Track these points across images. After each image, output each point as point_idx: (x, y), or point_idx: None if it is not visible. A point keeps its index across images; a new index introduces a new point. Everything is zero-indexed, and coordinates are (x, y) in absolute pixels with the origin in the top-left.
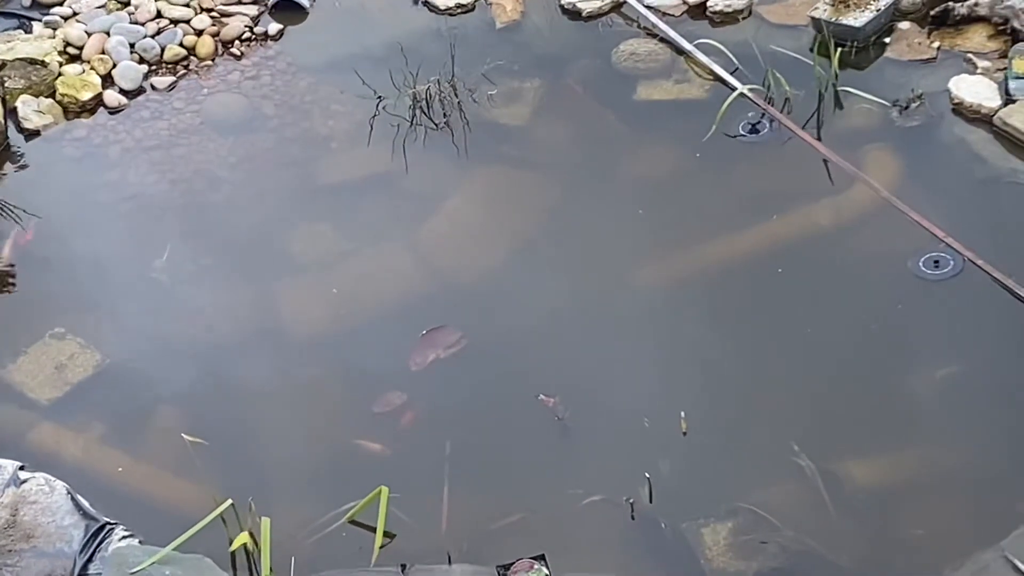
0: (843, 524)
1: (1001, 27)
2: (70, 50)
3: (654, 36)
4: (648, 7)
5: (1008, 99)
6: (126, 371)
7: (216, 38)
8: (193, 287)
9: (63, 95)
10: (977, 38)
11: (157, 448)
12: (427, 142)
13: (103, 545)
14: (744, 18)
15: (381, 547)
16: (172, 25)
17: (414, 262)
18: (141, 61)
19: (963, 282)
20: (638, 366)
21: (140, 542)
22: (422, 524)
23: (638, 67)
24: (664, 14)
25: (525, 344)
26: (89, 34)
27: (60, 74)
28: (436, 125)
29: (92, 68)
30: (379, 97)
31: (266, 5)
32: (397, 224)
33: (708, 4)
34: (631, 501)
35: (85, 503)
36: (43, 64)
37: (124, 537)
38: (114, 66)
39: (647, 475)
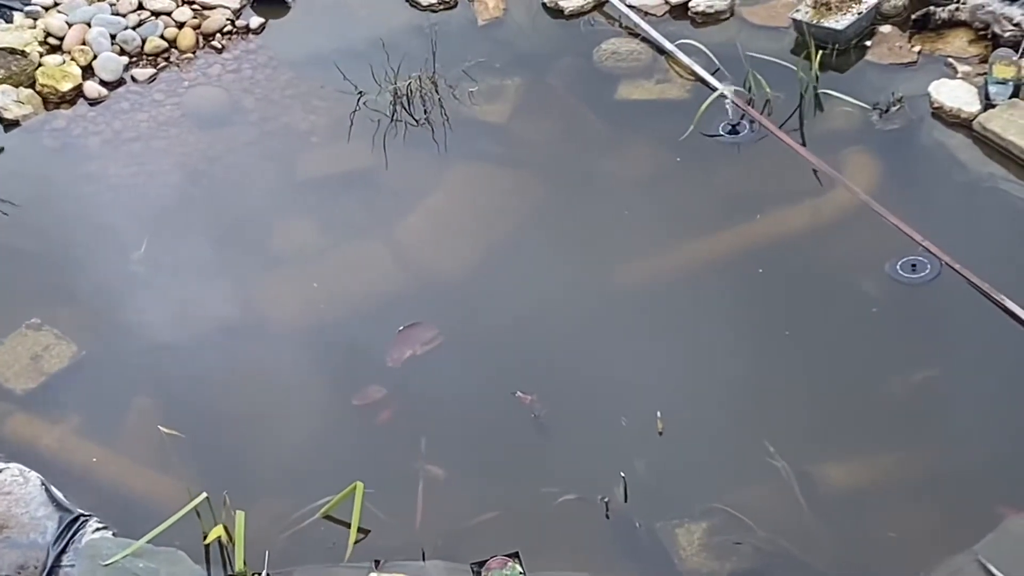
0: (817, 526)
1: (982, 32)
2: (51, 40)
3: (636, 36)
4: (630, 6)
5: (988, 104)
6: (102, 363)
7: (197, 31)
8: (171, 279)
9: (43, 85)
10: (958, 43)
11: (133, 440)
12: (407, 138)
13: (77, 537)
14: (726, 19)
15: (355, 543)
16: (153, 17)
17: (393, 258)
18: (122, 53)
19: (940, 286)
20: (615, 365)
21: (114, 534)
22: (396, 520)
23: (619, 66)
24: (646, 14)
25: (502, 341)
26: (70, 25)
27: (40, 64)
28: (416, 121)
29: (73, 59)
30: (360, 92)
31: None
32: (376, 220)
33: (690, 4)
34: (606, 500)
35: (59, 494)
36: (23, 54)
37: (98, 529)
38: (95, 57)
39: (622, 474)
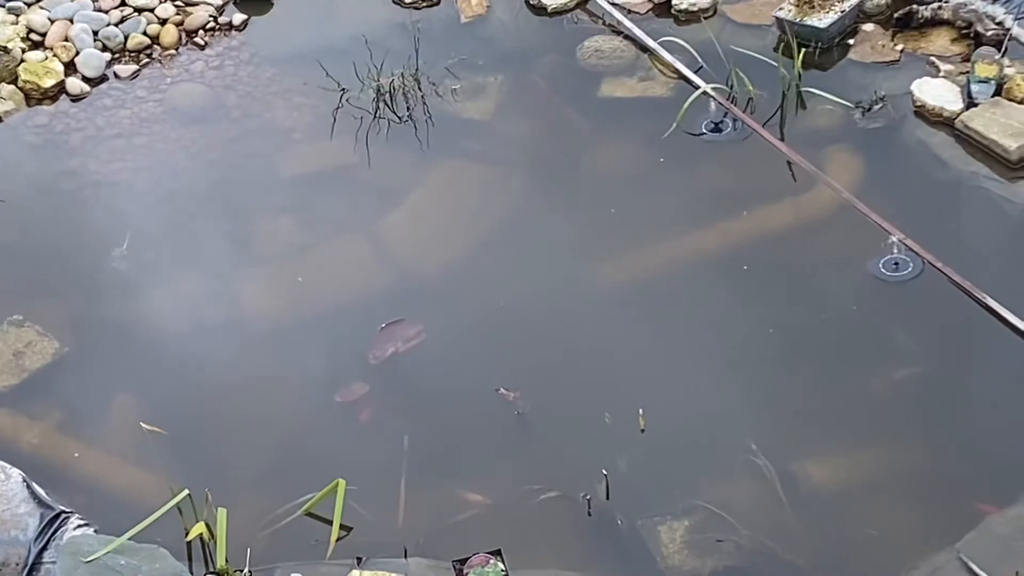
0: (799, 524)
1: (964, 31)
2: (33, 36)
3: (619, 33)
4: (613, 4)
5: (970, 102)
6: (85, 359)
7: (180, 27)
8: (153, 276)
9: (25, 82)
10: (940, 41)
11: (115, 437)
12: (390, 135)
13: (58, 533)
14: (709, 17)
15: (337, 540)
16: (136, 13)
17: (376, 255)
18: (104, 49)
19: (922, 284)
20: (598, 362)
21: (95, 531)
22: (379, 518)
23: (602, 64)
24: (629, 11)
25: (485, 338)
26: (52, 21)
27: (23, 60)
28: (399, 119)
29: (55, 55)
30: (343, 89)
31: None
32: (359, 217)
33: (673, 2)
34: (588, 497)
35: (41, 491)
36: (5, 50)
37: (79, 526)
38: (77, 53)
39: (604, 471)
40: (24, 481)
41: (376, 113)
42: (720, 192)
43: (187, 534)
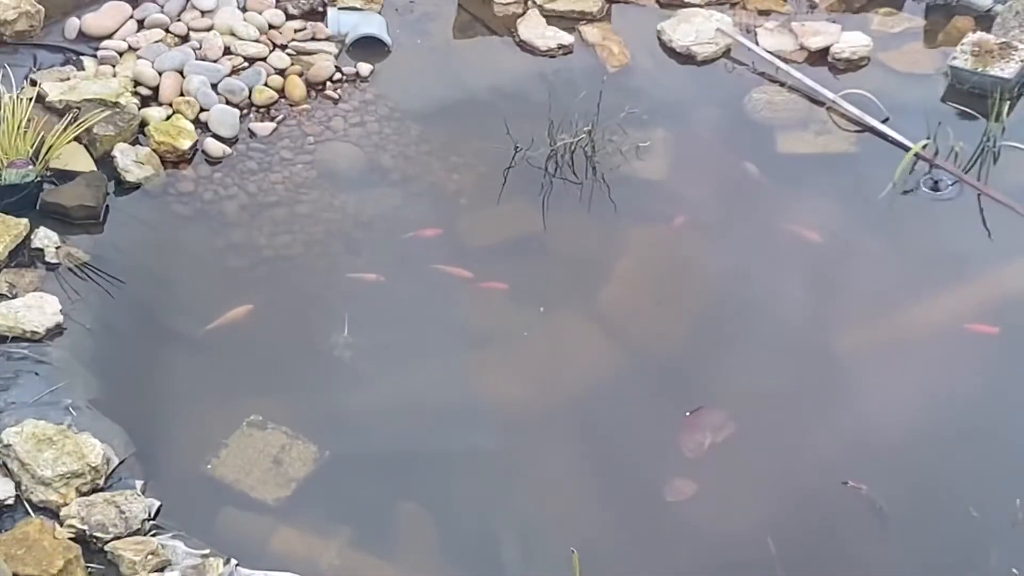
0: None
1: None
2: (141, 90)
3: (782, 84)
4: (770, 52)
5: None
6: (349, 462)
7: (302, 78)
8: (376, 364)
9: (159, 143)
10: None
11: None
12: (566, 198)
13: None
14: (865, 65)
15: None
16: (245, 63)
17: (602, 331)
18: (228, 103)
19: None
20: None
21: None
22: None
23: (777, 117)
24: (786, 60)
25: (792, 420)
26: (160, 72)
27: (142, 119)
28: (577, 179)
29: (178, 112)
30: (517, 148)
31: (342, 44)
32: (569, 290)
33: (833, 50)
34: None
35: None
36: (117, 105)
37: None
38: (202, 109)
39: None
40: None
41: (548, 173)
42: (953, 254)
43: None
